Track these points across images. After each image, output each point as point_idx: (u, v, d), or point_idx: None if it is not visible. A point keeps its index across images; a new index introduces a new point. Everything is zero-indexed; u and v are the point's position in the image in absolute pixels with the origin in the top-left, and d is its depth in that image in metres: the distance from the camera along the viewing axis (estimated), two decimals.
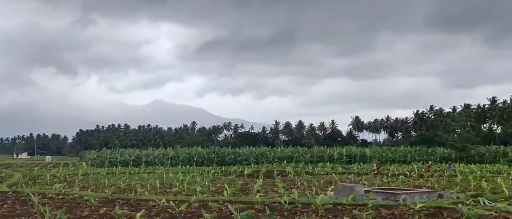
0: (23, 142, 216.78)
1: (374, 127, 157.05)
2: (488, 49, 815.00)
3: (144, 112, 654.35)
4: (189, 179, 26.46)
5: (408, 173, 38.88)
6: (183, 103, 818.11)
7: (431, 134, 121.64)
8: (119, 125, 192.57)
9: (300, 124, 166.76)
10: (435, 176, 36.73)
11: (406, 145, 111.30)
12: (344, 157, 69.49)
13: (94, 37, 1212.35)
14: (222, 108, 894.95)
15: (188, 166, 54.00)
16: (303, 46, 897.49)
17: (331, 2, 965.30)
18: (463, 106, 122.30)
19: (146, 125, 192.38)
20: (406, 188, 21.58)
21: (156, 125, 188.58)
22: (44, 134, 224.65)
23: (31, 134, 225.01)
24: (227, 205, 12.88)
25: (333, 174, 35.81)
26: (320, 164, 57.09)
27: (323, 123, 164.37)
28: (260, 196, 16.28)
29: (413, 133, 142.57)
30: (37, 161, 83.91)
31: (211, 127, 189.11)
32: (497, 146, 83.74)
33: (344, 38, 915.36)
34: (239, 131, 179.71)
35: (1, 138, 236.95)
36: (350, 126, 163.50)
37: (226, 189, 17.34)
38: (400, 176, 34.28)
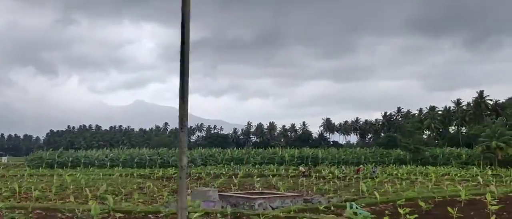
0: None
1: (344, 129, 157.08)
2: (468, 52, 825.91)
3: (125, 113, 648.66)
4: (79, 181, 25.45)
5: (339, 176, 38.44)
6: (164, 104, 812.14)
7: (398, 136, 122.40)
8: (90, 126, 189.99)
9: (271, 126, 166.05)
10: (358, 179, 36.26)
11: (374, 146, 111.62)
12: (296, 159, 68.89)
13: (75, 37, 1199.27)
14: (204, 109, 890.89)
15: (128, 168, 52.92)
16: (286, 48, 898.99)
17: (314, 4, 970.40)
18: (428, 108, 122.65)
19: (117, 126, 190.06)
20: (273, 193, 20.85)
21: (128, 126, 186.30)
22: (16, 134, 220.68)
23: (2, 134, 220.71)
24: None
25: (254, 176, 35.08)
26: (262, 166, 56.42)
27: (294, 124, 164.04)
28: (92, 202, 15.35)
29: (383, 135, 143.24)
30: None
31: None
32: (455, 148, 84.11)
33: (326, 40, 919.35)
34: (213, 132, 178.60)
35: None
36: (321, 128, 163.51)
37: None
38: (320, 179, 33.75)
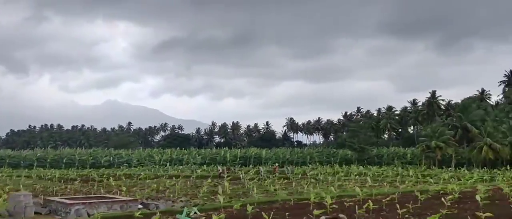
0: None
1: (307, 129, 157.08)
2: (439, 54, 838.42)
3: (97, 112, 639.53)
4: None
5: (259, 175, 37.84)
6: (137, 104, 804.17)
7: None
8: (51, 125, 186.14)
9: (235, 126, 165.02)
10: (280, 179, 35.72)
11: (332, 146, 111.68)
12: (238, 159, 68.17)
13: (47, 35, 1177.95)
14: (178, 109, 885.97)
15: (56, 168, 51.41)
16: (261, 48, 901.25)
17: (289, 5, 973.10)
18: (386, 108, 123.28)
19: (79, 125, 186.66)
20: (103, 197, 19.93)
21: (91, 126, 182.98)
22: None
23: None
24: None
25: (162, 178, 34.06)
26: (184, 166, 55.58)
27: (257, 124, 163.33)
28: None
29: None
30: None
31: (147, 128, 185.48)
32: (401, 148, 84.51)
33: (301, 41, 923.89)
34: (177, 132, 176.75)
35: None
36: (285, 128, 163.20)
37: None
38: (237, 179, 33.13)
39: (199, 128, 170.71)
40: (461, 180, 35.10)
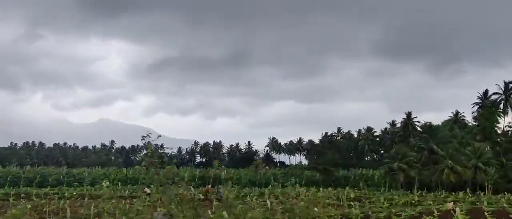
0: None
1: (288, 149, 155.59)
2: (431, 77, 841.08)
3: (90, 130, 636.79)
4: None
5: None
6: (131, 123, 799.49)
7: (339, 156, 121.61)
8: (33, 143, 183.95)
9: (216, 145, 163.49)
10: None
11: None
12: (196, 179, 66.52)
13: (41, 52, 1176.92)
14: (171, 128, 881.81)
15: None
16: (253, 68, 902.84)
17: (282, 26, 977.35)
18: (365, 129, 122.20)
19: (62, 143, 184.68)
20: None
21: (73, 143, 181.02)
22: None
23: None
24: None
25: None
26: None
27: (238, 144, 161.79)
28: None
29: None
30: None
31: (130, 147, 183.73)
32: (369, 170, 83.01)
33: (294, 61, 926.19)
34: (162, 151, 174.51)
35: None
36: (267, 148, 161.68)
37: None
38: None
39: (180, 147, 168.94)
40: (392, 204, 33.59)
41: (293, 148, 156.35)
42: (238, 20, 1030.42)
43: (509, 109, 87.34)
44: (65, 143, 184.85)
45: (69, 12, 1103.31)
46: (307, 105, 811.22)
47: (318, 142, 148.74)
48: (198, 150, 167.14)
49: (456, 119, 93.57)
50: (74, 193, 38.55)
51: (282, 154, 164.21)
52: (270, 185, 66.27)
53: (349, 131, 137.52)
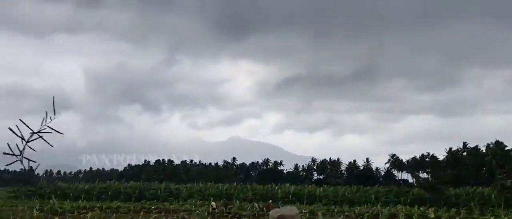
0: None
1: (409, 166, 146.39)
2: None
3: (222, 148, 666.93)
4: None
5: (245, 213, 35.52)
6: (258, 140, 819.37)
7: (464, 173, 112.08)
8: (163, 160, 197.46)
9: (333, 162, 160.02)
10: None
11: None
12: (290, 196, 65.08)
13: (178, 76, 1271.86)
14: (298, 146, 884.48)
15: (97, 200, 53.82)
16: (384, 81, 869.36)
17: (412, 35, 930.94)
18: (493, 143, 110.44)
19: (188, 160, 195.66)
20: None
21: (193, 160, 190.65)
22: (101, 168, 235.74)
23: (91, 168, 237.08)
24: None
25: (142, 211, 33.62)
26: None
27: (355, 161, 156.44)
28: None
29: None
30: None
31: (250, 163, 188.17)
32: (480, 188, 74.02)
33: (426, 73, 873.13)
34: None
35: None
36: (387, 165, 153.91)
37: None
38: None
39: (297, 164, 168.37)
40: None
41: (415, 165, 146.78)
42: (364, 33, 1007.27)
43: None
44: (191, 161, 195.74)
45: (203, 36, 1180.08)
46: (444, 119, 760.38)
47: (443, 158, 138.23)
48: (315, 167, 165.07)
49: None
50: (151, 207, 39.80)
51: (403, 172, 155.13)
52: (367, 203, 62.35)
53: (476, 145, 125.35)
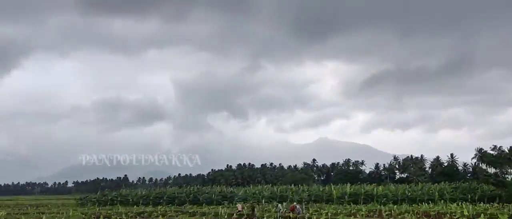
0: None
1: (496, 160, 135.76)
2: None
3: (309, 150, 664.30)
4: None
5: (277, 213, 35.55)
6: (347, 140, 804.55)
7: None
8: (244, 164, 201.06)
9: (415, 160, 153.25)
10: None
11: None
12: (346, 196, 63.65)
13: (262, 81, 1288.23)
14: (390, 144, 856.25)
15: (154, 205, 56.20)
16: (478, 73, 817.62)
17: (508, 23, 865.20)
18: None
19: (269, 163, 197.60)
20: None
21: (270, 163, 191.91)
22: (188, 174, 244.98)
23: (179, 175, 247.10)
24: None
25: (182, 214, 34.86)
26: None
27: (438, 157, 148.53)
28: None
29: None
30: None
31: (330, 165, 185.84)
32: None
33: None
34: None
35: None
36: (474, 160, 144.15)
37: None
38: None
39: (377, 164, 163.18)
40: None
41: (502, 159, 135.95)
42: (452, 24, 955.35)
43: None
44: (271, 164, 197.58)
45: (285, 41, 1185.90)
46: None
47: None
48: (397, 166, 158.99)
49: None
50: (194, 210, 41.13)
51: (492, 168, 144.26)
52: (430, 201, 59.18)
53: None
